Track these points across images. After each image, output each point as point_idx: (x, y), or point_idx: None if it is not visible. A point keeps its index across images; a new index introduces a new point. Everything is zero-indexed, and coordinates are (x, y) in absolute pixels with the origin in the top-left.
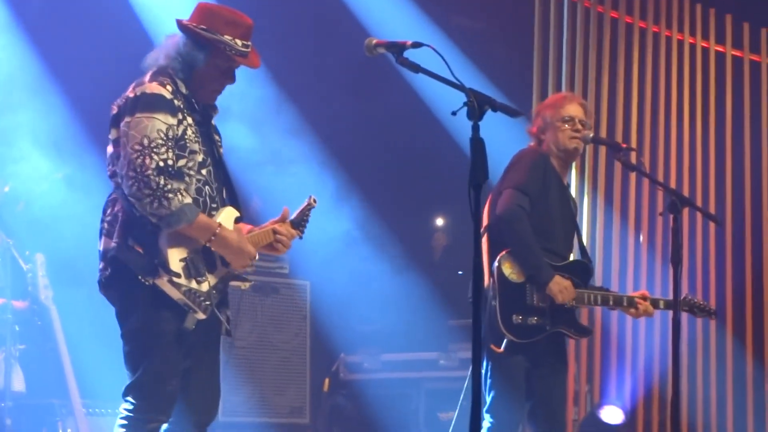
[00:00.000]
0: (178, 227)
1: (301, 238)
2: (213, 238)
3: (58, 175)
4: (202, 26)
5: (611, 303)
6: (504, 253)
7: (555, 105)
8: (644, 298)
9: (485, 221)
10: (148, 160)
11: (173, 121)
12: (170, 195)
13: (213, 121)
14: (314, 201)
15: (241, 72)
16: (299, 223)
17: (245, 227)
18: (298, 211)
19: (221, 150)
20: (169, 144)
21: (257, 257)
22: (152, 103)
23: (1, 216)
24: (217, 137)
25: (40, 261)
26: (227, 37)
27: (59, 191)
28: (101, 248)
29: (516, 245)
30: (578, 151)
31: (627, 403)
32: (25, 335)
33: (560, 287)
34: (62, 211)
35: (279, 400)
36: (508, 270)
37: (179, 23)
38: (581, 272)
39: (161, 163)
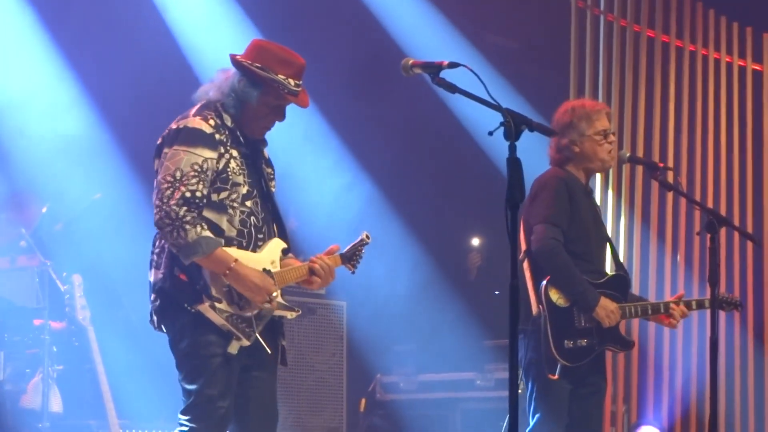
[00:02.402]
0: (194, 258)
1: (352, 272)
2: (228, 272)
3: (97, 196)
4: (257, 64)
5: (650, 312)
6: (548, 278)
7: (589, 116)
8: (679, 300)
9: (522, 245)
10: (176, 192)
11: (211, 155)
12: (187, 226)
13: (266, 155)
14: (368, 237)
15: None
16: (350, 258)
17: (292, 261)
18: (350, 246)
19: (273, 183)
20: (202, 176)
21: (277, 294)
22: (191, 137)
23: (39, 237)
24: (269, 170)
25: (78, 282)
26: (281, 77)
27: (97, 212)
28: (151, 280)
29: (558, 277)
30: (611, 166)
31: (664, 423)
32: (63, 356)
33: (607, 312)
34: (100, 233)
35: (315, 421)
36: (555, 296)
37: (234, 59)
38: (621, 286)
39: (187, 194)
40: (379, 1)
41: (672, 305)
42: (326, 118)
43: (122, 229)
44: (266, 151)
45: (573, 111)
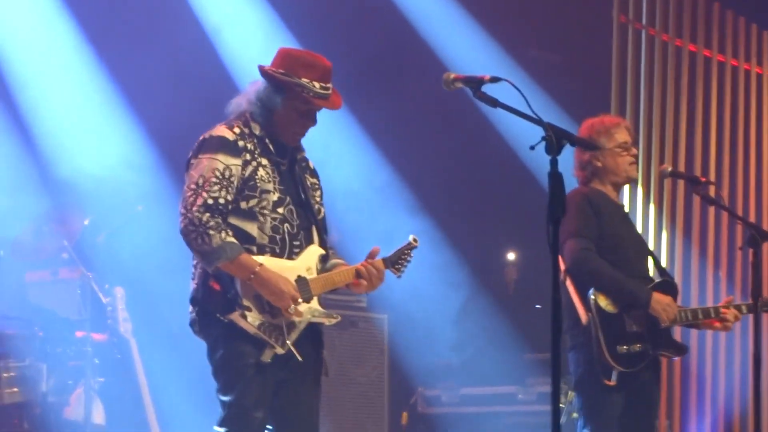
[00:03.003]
0: (218, 264)
1: (399, 277)
2: (252, 276)
3: (138, 208)
4: (281, 70)
5: (701, 317)
6: (593, 288)
7: (609, 131)
8: (729, 305)
9: (562, 265)
10: (198, 198)
11: (234, 161)
12: (211, 231)
13: (311, 165)
14: (415, 240)
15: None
16: (396, 262)
17: (341, 266)
18: (396, 249)
19: (317, 192)
20: (224, 183)
21: (318, 298)
22: (214, 145)
23: (81, 249)
24: (313, 180)
25: (120, 294)
26: (305, 80)
27: (139, 224)
28: (191, 289)
29: (601, 284)
30: (636, 177)
31: None
32: (105, 368)
33: (662, 305)
34: (142, 245)
35: None
36: (603, 302)
37: (260, 68)
38: (670, 291)
39: (210, 201)
40: (423, 20)
41: (721, 309)
42: (365, 130)
43: (164, 241)
44: (311, 162)
45: (592, 127)
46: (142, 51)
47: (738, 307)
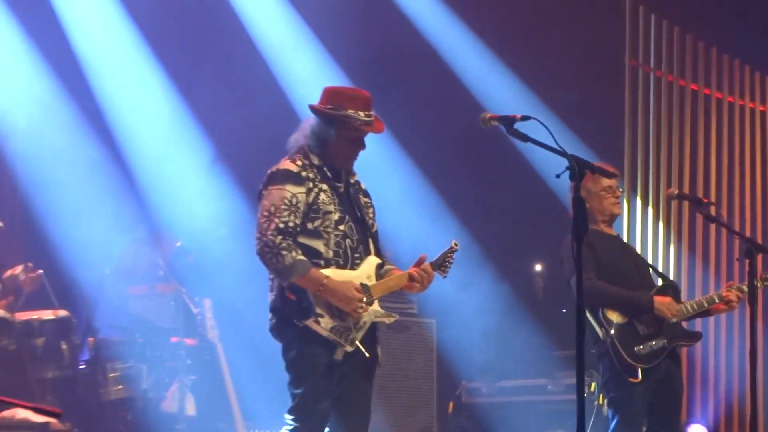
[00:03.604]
0: (291, 279)
1: (444, 277)
2: (321, 288)
3: (222, 231)
4: (329, 106)
5: (706, 305)
6: (601, 309)
7: (594, 178)
8: (731, 288)
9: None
10: (271, 224)
11: (299, 189)
12: (284, 252)
13: (363, 186)
14: (456, 245)
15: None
16: (441, 265)
17: (396, 271)
18: (440, 254)
19: (370, 210)
20: (292, 209)
21: (373, 302)
22: (281, 177)
23: (174, 267)
24: (366, 199)
25: (208, 305)
26: (350, 111)
27: (222, 245)
28: (269, 301)
29: (606, 301)
30: (620, 213)
31: (711, 421)
32: (196, 368)
33: (665, 305)
34: (225, 263)
35: (411, 421)
36: (613, 315)
37: (311, 107)
38: (672, 292)
39: (281, 225)
40: (461, 61)
41: (723, 294)
42: (420, 169)
43: (243, 259)
44: (363, 184)
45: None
46: (219, 91)
47: (739, 288)
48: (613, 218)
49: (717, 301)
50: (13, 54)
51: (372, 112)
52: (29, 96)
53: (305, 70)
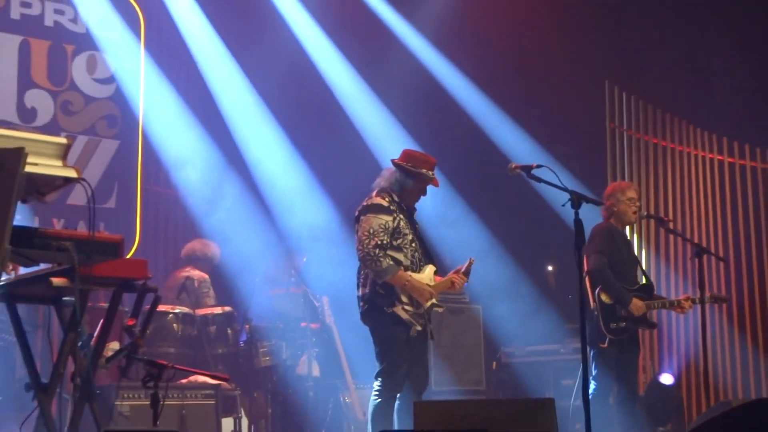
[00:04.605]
0: (386, 278)
1: (467, 282)
2: (406, 283)
3: (304, 259)
4: (410, 164)
5: (667, 306)
6: (600, 287)
7: (624, 190)
8: (687, 299)
9: (585, 266)
10: (371, 241)
11: (389, 218)
12: (381, 259)
13: (415, 216)
14: (472, 260)
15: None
16: (467, 273)
17: (438, 279)
18: (465, 266)
19: (419, 232)
20: (385, 231)
21: (437, 295)
22: (376, 208)
23: (302, 275)
24: (417, 225)
25: (325, 300)
26: (424, 170)
27: (331, 260)
28: (359, 294)
29: (605, 285)
30: (635, 220)
31: (675, 371)
32: (319, 343)
33: (636, 307)
34: (339, 270)
35: (466, 376)
36: (604, 297)
37: (394, 162)
38: (647, 290)
39: (378, 242)
40: (487, 120)
41: (682, 301)
42: (461, 196)
43: (344, 268)
44: (415, 214)
45: (614, 187)
46: (325, 146)
47: (692, 300)
48: (630, 223)
49: (676, 305)
50: (177, 116)
51: (433, 172)
52: (196, 149)
53: (389, 140)
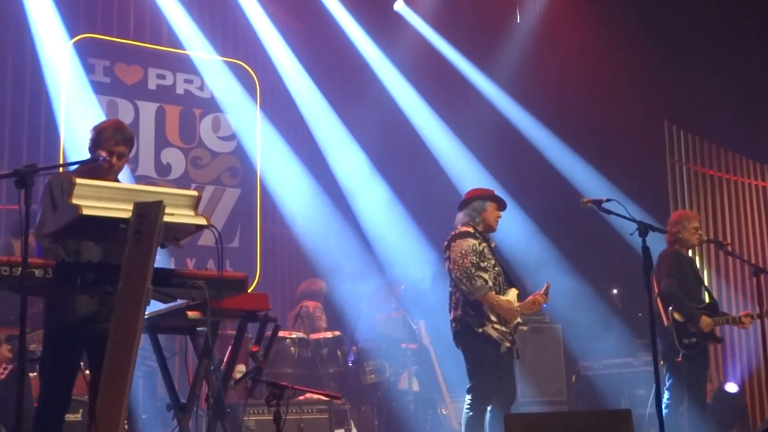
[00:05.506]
0: (477, 296)
1: (546, 303)
2: (495, 304)
3: (427, 280)
4: (476, 195)
5: (730, 322)
6: (672, 306)
7: (690, 219)
8: (747, 315)
9: (656, 288)
10: (465, 261)
11: (476, 242)
12: (475, 278)
13: (493, 246)
14: (550, 284)
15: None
16: (546, 295)
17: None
18: (544, 289)
19: (499, 259)
20: (475, 253)
21: (521, 316)
22: (464, 234)
23: (402, 302)
24: (495, 254)
25: (422, 324)
26: (491, 193)
27: (425, 283)
28: (452, 316)
29: (678, 305)
30: (698, 243)
31: (739, 380)
32: (417, 361)
33: (705, 323)
34: (435, 296)
35: (548, 388)
36: (677, 315)
37: (465, 199)
38: (713, 308)
39: (472, 260)
40: (556, 155)
41: (743, 317)
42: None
43: (439, 291)
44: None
45: (680, 215)
46: (418, 186)
47: (751, 316)
48: (692, 248)
49: (738, 321)
50: (288, 165)
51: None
52: (306, 193)
53: (465, 173)
